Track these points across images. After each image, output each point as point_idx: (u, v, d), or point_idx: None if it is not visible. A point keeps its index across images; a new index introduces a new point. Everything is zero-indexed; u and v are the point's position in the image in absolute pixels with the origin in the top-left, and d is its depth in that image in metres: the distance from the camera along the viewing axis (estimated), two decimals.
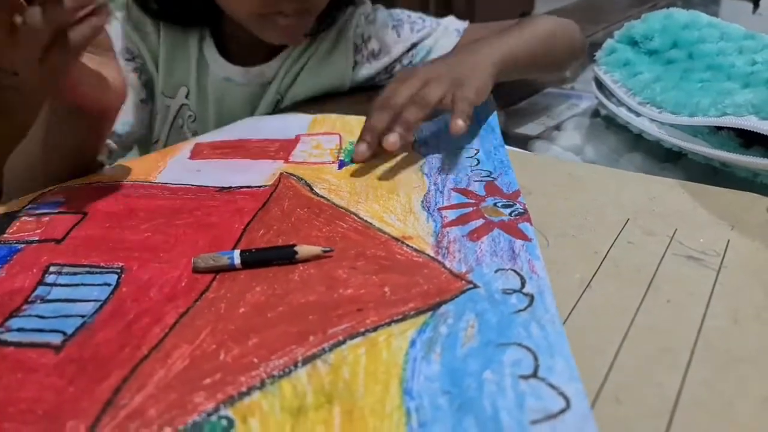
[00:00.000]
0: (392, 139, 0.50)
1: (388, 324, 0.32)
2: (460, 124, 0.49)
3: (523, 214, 0.42)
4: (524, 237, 0.39)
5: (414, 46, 0.75)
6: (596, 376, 0.28)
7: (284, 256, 0.37)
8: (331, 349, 0.30)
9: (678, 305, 0.33)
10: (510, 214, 0.42)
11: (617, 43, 0.63)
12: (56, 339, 0.31)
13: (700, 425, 0.26)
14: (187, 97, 0.71)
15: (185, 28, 0.69)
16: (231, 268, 0.36)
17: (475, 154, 0.53)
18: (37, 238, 0.41)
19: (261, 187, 0.48)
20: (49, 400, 0.27)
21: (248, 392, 0.27)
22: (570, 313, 0.33)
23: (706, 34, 0.56)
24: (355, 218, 0.43)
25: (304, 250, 0.37)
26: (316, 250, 0.38)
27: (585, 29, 0.87)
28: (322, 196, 0.46)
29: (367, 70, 0.76)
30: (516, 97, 0.72)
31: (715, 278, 0.35)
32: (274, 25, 0.62)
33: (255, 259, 0.37)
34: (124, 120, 0.63)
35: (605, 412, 0.26)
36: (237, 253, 0.37)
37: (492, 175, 0.48)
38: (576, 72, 0.82)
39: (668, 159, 0.54)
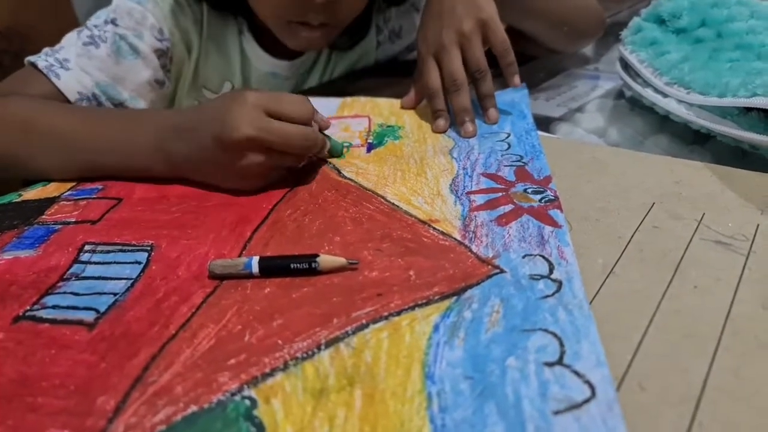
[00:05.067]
0: (495, 116, 0.56)
1: (412, 308, 0.31)
2: (517, 80, 0.57)
3: (554, 201, 0.41)
4: (554, 223, 0.38)
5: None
6: (620, 363, 0.28)
7: (305, 271, 0.34)
8: (354, 333, 0.30)
9: (705, 291, 0.32)
10: (540, 201, 0.41)
11: (644, 21, 0.61)
12: (89, 316, 0.32)
13: (726, 413, 0.25)
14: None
15: (225, 20, 0.68)
16: (248, 275, 0.35)
17: (506, 138, 0.52)
18: (74, 220, 0.42)
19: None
20: (81, 375, 0.28)
21: (271, 373, 0.28)
22: (593, 299, 0.32)
23: (736, 12, 0.54)
24: (382, 200, 0.42)
25: (326, 260, 0.34)
26: (340, 261, 0.35)
27: (610, 7, 0.85)
28: (349, 179, 0.46)
29: (390, 50, 0.78)
30: (538, 78, 0.71)
31: (744, 263, 0.34)
32: (297, 34, 0.62)
33: (273, 267, 0.35)
34: (134, 95, 0.60)
35: (629, 399, 0.26)
36: (255, 260, 0.35)
37: (523, 160, 0.47)
38: (599, 52, 0.79)
39: (696, 141, 0.52)
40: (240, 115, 0.42)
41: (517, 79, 0.56)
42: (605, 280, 0.34)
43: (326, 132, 0.49)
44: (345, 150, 0.51)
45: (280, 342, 0.30)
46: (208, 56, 0.69)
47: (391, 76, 0.73)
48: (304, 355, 0.29)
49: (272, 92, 0.44)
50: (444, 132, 0.54)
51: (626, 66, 0.60)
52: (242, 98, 0.42)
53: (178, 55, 0.66)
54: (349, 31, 0.69)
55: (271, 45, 0.70)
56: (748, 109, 0.46)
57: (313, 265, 0.34)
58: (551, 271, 0.34)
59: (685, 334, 0.30)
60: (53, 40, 0.59)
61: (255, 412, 0.26)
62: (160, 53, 0.63)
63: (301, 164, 0.46)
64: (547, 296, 0.32)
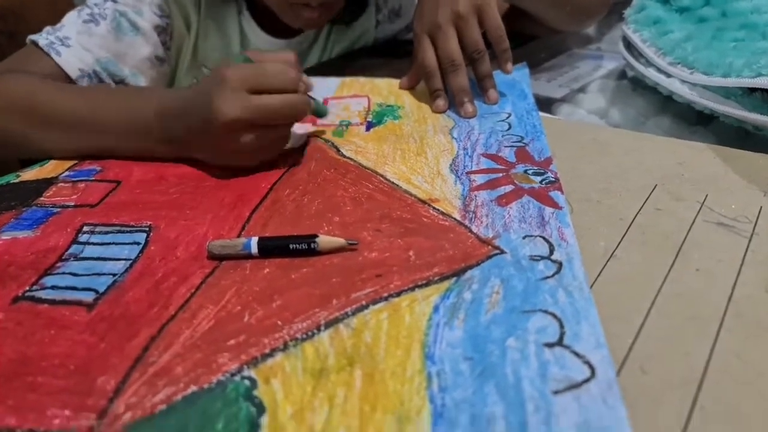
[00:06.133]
0: (494, 96, 0.55)
1: (412, 289, 0.31)
2: (510, 67, 0.56)
3: (555, 183, 0.41)
4: (555, 205, 0.38)
5: None
6: (621, 346, 0.28)
7: (304, 252, 0.34)
8: (354, 313, 0.30)
9: (708, 273, 0.32)
10: (541, 182, 0.41)
11: (647, 0, 0.60)
12: (88, 297, 0.32)
13: (728, 396, 0.25)
14: None
15: (223, 0, 0.68)
16: (247, 256, 0.34)
17: (507, 118, 0.51)
18: (72, 204, 0.42)
19: (288, 149, 0.48)
20: (81, 356, 0.28)
21: (271, 354, 0.28)
22: (594, 282, 0.32)
23: None
24: (382, 179, 0.42)
25: (325, 241, 0.34)
26: (339, 241, 0.34)
27: None
28: (348, 158, 0.46)
29: (389, 29, 0.78)
30: (540, 58, 0.70)
31: (747, 245, 0.34)
32: (298, 15, 0.62)
33: (272, 247, 0.34)
34: (135, 71, 0.60)
35: (630, 382, 0.26)
36: (254, 240, 0.34)
37: (523, 141, 0.47)
38: (602, 31, 0.78)
39: (698, 122, 0.52)
40: (222, 98, 0.41)
41: (509, 66, 0.55)
42: (607, 262, 0.33)
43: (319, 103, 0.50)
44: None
45: (279, 323, 0.29)
46: (207, 34, 0.68)
47: (390, 55, 0.73)
48: (304, 335, 0.29)
49: (252, 66, 0.43)
50: (443, 112, 0.54)
51: (629, 45, 0.60)
52: (222, 80, 0.41)
53: (177, 32, 0.65)
54: (348, 6, 0.68)
55: (270, 24, 0.69)
56: (752, 90, 0.45)
57: (312, 245, 0.34)
58: (551, 252, 0.34)
59: (688, 316, 0.29)
60: (48, 19, 0.59)
61: (255, 393, 0.26)
62: (160, 30, 0.62)
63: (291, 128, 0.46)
64: (547, 277, 0.32)
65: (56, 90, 0.50)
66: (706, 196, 0.39)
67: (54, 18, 0.59)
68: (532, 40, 0.74)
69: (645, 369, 0.27)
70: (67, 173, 0.46)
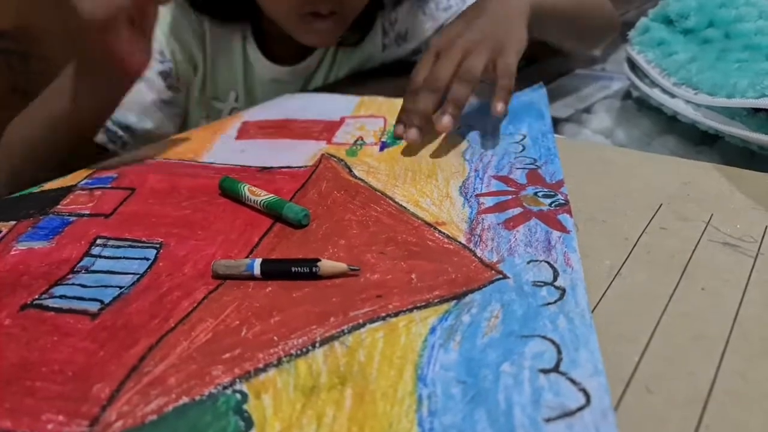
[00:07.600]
0: (446, 122, 0.48)
1: (411, 310, 0.31)
2: (500, 108, 0.48)
3: (564, 205, 0.40)
4: (562, 228, 0.38)
5: (442, 26, 0.76)
6: (626, 366, 0.27)
7: (306, 275, 0.34)
8: (350, 332, 0.30)
9: (713, 293, 0.32)
10: (550, 205, 0.40)
11: (651, 21, 0.61)
12: (94, 307, 0.33)
13: (733, 416, 0.25)
14: (236, 100, 0.72)
15: (229, 29, 0.68)
16: (250, 277, 0.35)
17: (521, 140, 0.51)
18: (88, 212, 0.43)
19: (301, 167, 0.48)
20: (80, 362, 0.29)
21: (264, 369, 0.28)
22: (599, 301, 0.32)
23: (744, 12, 0.53)
24: (390, 202, 0.42)
25: (327, 266, 0.34)
26: (341, 267, 0.34)
27: (618, 7, 0.84)
28: (360, 179, 0.46)
29: (395, 53, 0.78)
30: (545, 78, 0.70)
31: (752, 265, 0.34)
32: (309, 27, 0.62)
33: (275, 270, 0.35)
34: (141, 117, 0.63)
35: (635, 402, 0.25)
36: (258, 262, 0.35)
37: (536, 163, 0.47)
38: (606, 52, 0.78)
39: (703, 142, 0.51)
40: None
41: (500, 105, 0.48)
42: (612, 281, 0.33)
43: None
44: None
45: (275, 338, 0.30)
46: (215, 68, 0.69)
47: (398, 76, 0.73)
48: (299, 352, 0.29)
49: None
50: (416, 143, 0.50)
51: (634, 66, 0.60)
52: None
53: (183, 74, 0.66)
54: (356, 24, 0.69)
55: (274, 51, 0.70)
56: (757, 110, 0.45)
57: (313, 269, 0.34)
58: (555, 278, 0.33)
59: (693, 336, 0.29)
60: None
61: (245, 407, 0.26)
62: (165, 75, 0.64)
63: None
64: (549, 303, 0.31)
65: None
66: (712, 215, 0.39)
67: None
68: (534, 63, 0.74)
69: (650, 388, 0.26)
70: (85, 181, 0.47)
